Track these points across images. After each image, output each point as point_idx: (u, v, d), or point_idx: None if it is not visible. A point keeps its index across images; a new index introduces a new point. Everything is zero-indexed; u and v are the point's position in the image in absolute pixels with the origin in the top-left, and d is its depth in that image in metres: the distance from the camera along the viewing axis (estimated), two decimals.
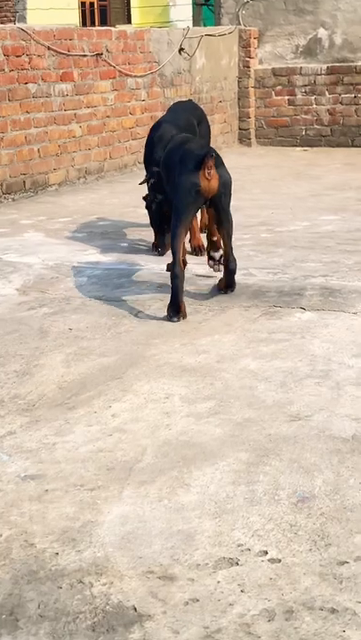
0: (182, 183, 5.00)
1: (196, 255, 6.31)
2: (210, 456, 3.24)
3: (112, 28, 10.76)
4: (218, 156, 5.12)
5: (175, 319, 4.83)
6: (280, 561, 2.60)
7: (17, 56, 8.67)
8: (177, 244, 5.00)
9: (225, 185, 5.04)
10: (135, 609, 2.41)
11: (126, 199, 8.84)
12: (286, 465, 3.15)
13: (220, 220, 5.16)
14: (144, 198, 6.58)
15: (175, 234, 5.03)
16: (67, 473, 3.17)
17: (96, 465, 3.22)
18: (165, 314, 4.87)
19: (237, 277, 5.52)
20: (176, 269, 4.94)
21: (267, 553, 2.64)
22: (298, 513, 2.84)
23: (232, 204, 5.67)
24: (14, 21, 23.59)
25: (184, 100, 8.23)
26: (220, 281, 5.36)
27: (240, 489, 3.00)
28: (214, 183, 4.96)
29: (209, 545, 2.69)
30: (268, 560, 2.60)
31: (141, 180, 6.69)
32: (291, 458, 3.20)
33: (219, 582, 2.51)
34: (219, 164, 5.05)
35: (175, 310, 4.86)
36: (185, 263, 5.43)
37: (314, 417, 3.53)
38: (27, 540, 2.76)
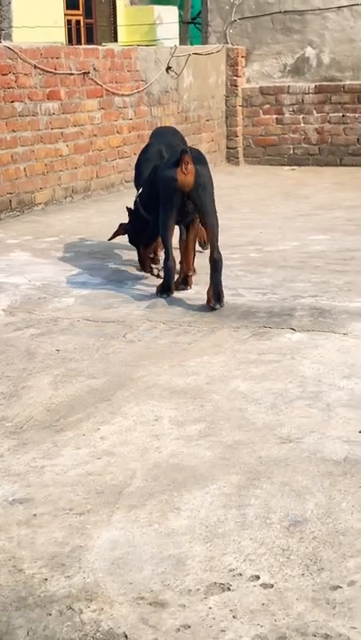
0: (162, 177, 5.60)
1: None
2: (200, 479, 3.21)
3: (99, 47, 10.76)
4: (200, 155, 5.78)
5: (165, 296, 5.57)
6: (272, 586, 2.56)
7: (3, 74, 8.65)
8: (167, 235, 5.57)
9: (201, 179, 5.52)
10: (126, 636, 2.37)
11: (113, 218, 8.81)
12: (278, 488, 3.12)
13: (203, 213, 5.59)
14: (128, 209, 6.59)
15: (164, 227, 5.58)
16: (55, 497, 3.13)
17: (85, 489, 3.18)
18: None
19: (226, 298, 5.51)
20: (169, 263, 5.56)
21: (259, 578, 2.60)
22: (290, 537, 2.81)
23: (220, 223, 5.71)
24: (0, 39, 23.62)
25: (165, 126, 8.28)
26: (207, 292, 5.42)
27: (231, 513, 2.97)
28: (190, 178, 5.48)
29: (200, 570, 2.65)
30: (261, 585, 2.57)
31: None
32: (282, 481, 3.17)
33: (210, 608, 2.47)
34: (199, 161, 5.62)
35: (166, 291, 5.59)
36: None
37: (305, 439, 3.50)
38: (15, 565, 2.72)
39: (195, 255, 6.08)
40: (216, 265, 5.41)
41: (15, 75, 8.78)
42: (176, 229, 5.87)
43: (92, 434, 3.65)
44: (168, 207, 5.57)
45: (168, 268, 5.60)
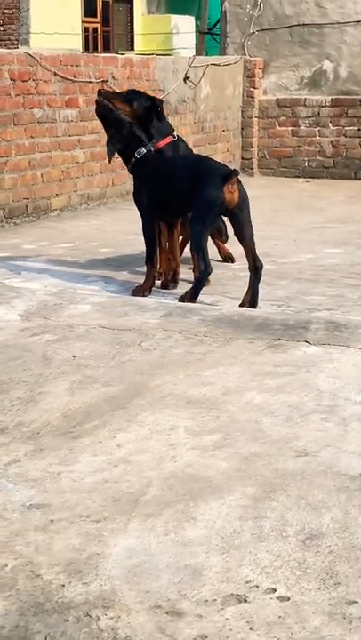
0: (208, 194, 5.79)
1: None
2: (216, 490, 3.23)
3: (118, 56, 10.82)
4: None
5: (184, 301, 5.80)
6: (289, 599, 2.57)
7: (23, 81, 8.71)
8: (205, 245, 5.91)
9: (244, 197, 5.85)
10: None
11: (128, 226, 8.85)
12: (294, 501, 3.13)
13: (242, 229, 5.91)
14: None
15: (202, 237, 5.89)
16: (72, 503, 3.15)
17: (102, 496, 3.20)
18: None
19: (241, 309, 5.55)
20: (208, 269, 5.83)
21: (275, 590, 2.61)
22: (306, 550, 2.82)
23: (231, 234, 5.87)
24: (17, 45, 23.73)
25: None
26: (245, 295, 5.80)
27: (247, 524, 2.98)
28: (236, 196, 5.77)
29: (217, 581, 2.67)
30: (277, 598, 2.58)
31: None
32: (298, 494, 3.18)
33: (227, 619, 2.49)
34: (239, 180, 5.91)
35: (193, 299, 5.84)
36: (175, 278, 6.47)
37: (321, 453, 3.51)
38: (33, 570, 2.74)
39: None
40: (258, 273, 5.84)
41: (35, 81, 8.83)
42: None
43: (109, 441, 3.66)
44: (209, 223, 5.93)
45: (206, 273, 5.88)
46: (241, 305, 5.76)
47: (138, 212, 6.38)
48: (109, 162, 6.76)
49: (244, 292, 5.88)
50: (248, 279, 5.90)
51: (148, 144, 6.30)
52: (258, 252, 6.26)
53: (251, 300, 5.81)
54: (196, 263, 5.94)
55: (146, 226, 6.25)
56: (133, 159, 6.28)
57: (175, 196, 6.10)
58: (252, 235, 5.94)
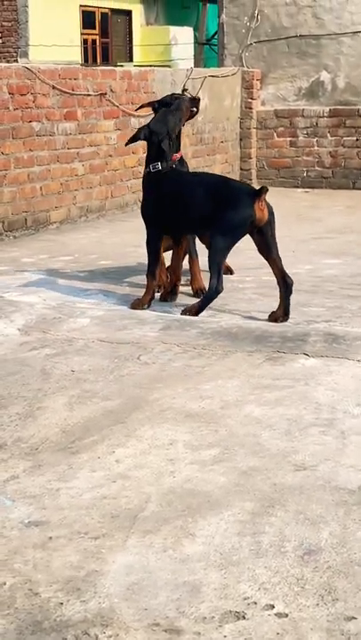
0: (239, 214, 5.77)
1: (197, 297, 6.35)
2: (215, 505, 3.22)
3: (116, 69, 10.84)
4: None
5: (186, 314, 5.79)
6: (287, 615, 2.57)
7: (22, 95, 8.72)
8: (223, 265, 5.92)
9: (272, 214, 5.86)
10: None
11: (128, 238, 8.86)
12: (292, 516, 3.13)
13: (269, 246, 5.89)
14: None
15: (224, 255, 5.88)
16: (71, 520, 3.15)
17: (100, 512, 3.20)
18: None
19: (240, 322, 5.56)
20: (220, 287, 5.79)
21: (273, 607, 2.61)
22: (304, 566, 2.82)
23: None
24: (16, 57, 23.78)
25: None
26: (275, 312, 5.80)
27: (246, 540, 2.98)
28: (266, 213, 5.77)
29: (215, 597, 2.66)
30: (275, 614, 2.58)
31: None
32: (296, 509, 3.18)
33: (225, 637, 2.48)
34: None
35: (197, 314, 5.78)
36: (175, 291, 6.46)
37: (319, 467, 3.51)
38: (31, 588, 2.74)
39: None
40: (289, 290, 5.82)
41: (33, 95, 8.85)
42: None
43: (107, 457, 3.66)
44: (233, 242, 5.86)
45: (217, 292, 5.82)
46: (273, 320, 5.73)
47: (143, 224, 6.35)
48: (126, 145, 6.76)
49: (275, 308, 5.87)
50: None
51: (166, 160, 6.22)
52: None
53: (284, 311, 5.79)
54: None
55: (150, 239, 6.21)
56: (147, 170, 6.24)
57: (189, 213, 6.04)
58: (278, 251, 5.93)
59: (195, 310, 5.82)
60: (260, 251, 5.94)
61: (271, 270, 5.92)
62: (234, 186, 6.20)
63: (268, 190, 5.87)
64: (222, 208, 5.82)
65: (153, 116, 6.61)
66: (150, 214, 6.20)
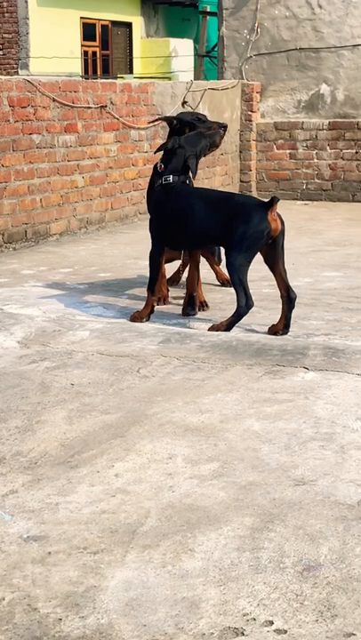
0: (256, 228, 5.72)
1: (202, 310, 6.38)
2: (214, 520, 3.22)
3: (117, 81, 10.86)
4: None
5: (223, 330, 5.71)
6: (286, 632, 2.56)
7: (22, 107, 8.74)
8: (246, 278, 5.81)
9: (283, 224, 5.85)
10: None
11: (127, 250, 8.87)
12: (291, 531, 3.12)
13: (278, 258, 5.86)
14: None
15: (244, 271, 5.80)
16: (70, 535, 3.14)
17: (99, 527, 3.19)
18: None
19: (239, 335, 5.56)
20: (250, 303, 5.75)
21: (272, 623, 2.60)
22: (303, 582, 2.81)
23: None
24: (17, 69, 23.84)
25: None
26: (275, 324, 5.80)
27: (245, 555, 2.97)
28: (279, 224, 5.77)
29: (214, 614, 2.66)
30: (274, 630, 2.57)
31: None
32: (296, 524, 3.17)
33: None
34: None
35: (227, 330, 5.70)
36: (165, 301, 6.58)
37: (319, 482, 3.51)
38: (30, 604, 2.73)
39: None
40: (292, 304, 5.82)
41: (34, 107, 8.86)
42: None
43: (107, 471, 3.66)
44: (253, 253, 5.80)
45: (248, 308, 5.77)
46: (273, 333, 5.73)
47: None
48: (155, 153, 6.78)
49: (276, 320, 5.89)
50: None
51: (186, 177, 6.23)
52: (256, 275, 6.28)
53: (285, 325, 5.78)
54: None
55: (154, 252, 6.19)
56: (158, 182, 6.24)
57: (196, 229, 6.02)
58: (285, 263, 5.91)
59: (224, 328, 5.77)
60: (268, 262, 5.91)
61: (276, 282, 5.90)
62: (244, 200, 6.18)
63: (279, 200, 5.84)
64: (237, 224, 5.78)
65: (154, 128, 6.66)
66: (155, 227, 6.18)
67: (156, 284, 6.17)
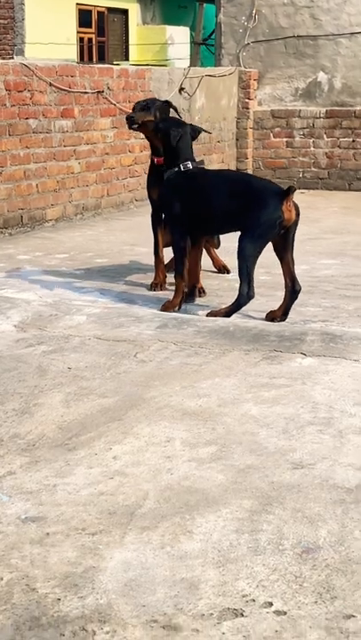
0: (268, 216, 5.61)
1: (199, 296, 6.37)
2: (212, 503, 3.22)
3: (114, 67, 10.83)
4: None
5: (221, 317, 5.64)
6: (285, 613, 2.56)
7: (19, 91, 8.71)
8: (253, 269, 5.74)
9: (298, 215, 5.74)
10: None
11: (124, 237, 8.86)
12: (290, 514, 3.12)
13: (288, 247, 5.77)
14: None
15: (254, 262, 5.72)
16: (68, 516, 3.14)
17: (97, 509, 3.19)
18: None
19: (237, 320, 5.55)
20: (251, 293, 5.69)
21: (272, 604, 2.60)
22: (303, 564, 2.81)
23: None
24: (12, 55, 23.76)
25: None
26: (273, 311, 5.79)
27: (244, 537, 2.97)
28: (293, 214, 5.66)
29: (213, 595, 2.65)
30: (274, 612, 2.57)
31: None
32: (294, 507, 3.17)
33: (224, 634, 2.47)
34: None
35: (229, 315, 5.70)
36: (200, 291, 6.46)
37: (317, 465, 3.51)
38: (28, 584, 2.72)
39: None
40: (296, 294, 5.79)
41: (30, 92, 8.83)
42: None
43: (104, 453, 3.65)
44: (265, 242, 5.73)
45: (249, 298, 5.73)
46: (271, 319, 5.70)
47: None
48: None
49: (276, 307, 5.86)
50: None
51: (195, 160, 6.20)
52: None
53: (284, 313, 5.76)
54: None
55: (177, 239, 6.06)
56: (176, 169, 6.12)
57: (214, 213, 5.96)
58: (293, 253, 5.83)
59: (222, 314, 5.73)
60: (277, 250, 5.83)
61: (282, 271, 5.84)
62: (261, 185, 6.03)
63: (296, 189, 5.72)
64: (250, 210, 5.68)
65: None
66: (176, 214, 6.07)
67: (183, 269, 6.07)
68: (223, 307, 5.84)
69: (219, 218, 5.97)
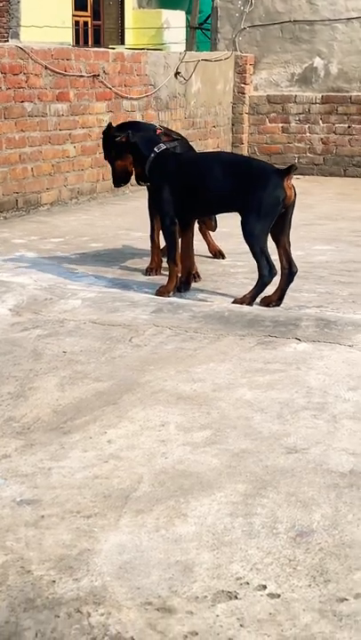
0: (271, 195, 5.62)
1: (194, 281, 6.37)
2: (207, 486, 3.23)
3: (109, 50, 10.80)
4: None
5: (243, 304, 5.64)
6: (279, 596, 2.58)
7: (14, 74, 8.68)
8: (266, 248, 5.70)
9: (295, 195, 5.73)
10: None
11: (119, 221, 8.85)
12: (284, 498, 3.14)
13: (285, 228, 5.76)
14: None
15: (264, 240, 5.70)
16: (63, 499, 3.15)
17: (92, 492, 3.20)
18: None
19: (231, 305, 5.56)
20: (274, 271, 5.69)
21: (266, 587, 2.62)
22: (296, 547, 2.83)
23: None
24: (7, 38, 23.66)
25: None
26: (269, 296, 5.75)
27: (238, 521, 2.99)
28: (292, 192, 5.67)
29: (207, 577, 2.67)
30: (268, 595, 2.59)
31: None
32: (288, 491, 3.19)
33: (218, 616, 2.49)
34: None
35: (252, 302, 5.68)
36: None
37: (311, 450, 3.52)
38: (23, 566, 2.74)
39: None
40: (292, 276, 5.78)
41: (26, 75, 8.81)
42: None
43: (99, 437, 3.66)
44: (271, 220, 5.69)
45: (271, 277, 5.72)
46: (266, 304, 5.69)
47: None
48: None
49: (272, 291, 5.81)
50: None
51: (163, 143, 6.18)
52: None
53: (280, 297, 5.75)
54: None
55: (168, 223, 6.03)
56: (152, 155, 6.09)
57: (211, 195, 5.94)
58: (289, 236, 5.82)
59: (248, 300, 5.70)
60: (273, 233, 5.79)
61: (278, 254, 5.80)
62: (260, 165, 6.04)
63: (296, 168, 5.76)
64: (253, 190, 5.68)
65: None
66: (165, 198, 6.04)
67: (176, 253, 6.06)
68: (247, 292, 5.77)
69: (213, 199, 5.96)
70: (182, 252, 6.15)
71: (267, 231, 5.70)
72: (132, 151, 6.24)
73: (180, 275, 6.08)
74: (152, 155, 6.09)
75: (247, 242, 5.78)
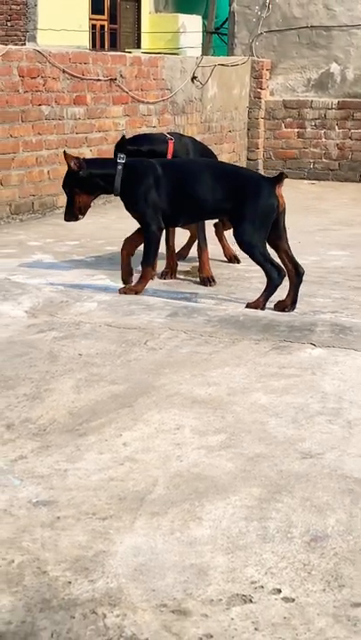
0: (266, 203, 5.72)
1: (204, 285, 6.38)
2: (222, 490, 3.24)
3: (127, 54, 10.84)
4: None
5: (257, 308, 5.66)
6: (294, 600, 2.59)
7: (32, 78, 8.72)
8: (268, 253, 5.78)
9: (284, 202, 5.83)
10: None
11: (135, 224, 8.85)
12: (299, 503, 3.15)
13: (282, 234, 5.83)
14: None
15: (264, 248, 5.78)
16: (78, 500, 3.16)
17: (108, 494, 3.22)
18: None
19: (246, 310, 5.58)
20: (283, 273, 5.76)
21: (280, 591, 2.63)
22: (311, 552, 2.84)
23: None
24: (24, 41, 23.73)
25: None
26: (282, 301, 5.79)
27: (253, 525, 3.00)
28: (283, 199, 5.78)
29: (222, 581, 2.68)
30: (282, 599, 2.60)
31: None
32: (303, 496, 3.20)
33: (232, 619, 2.50)
34: None
35: (264, 306, 5.71)
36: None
37: (326, 455, 3.53)
38: (39, 567, 2.75)
39: None
40: (300, 278, 5.83)
41: (43, 78, 8.85)
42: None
43: (115, 439, 3.68)
44: (267, 229, 5.78)
45: (281, 278, 5.77)
46: (281, 309, 5.72)
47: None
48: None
49: (284, 296, 5.86)
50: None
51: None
52: None
53: (293, 301, 5.79)
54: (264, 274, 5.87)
55: (154, 229, 6.08)
56: (119, 166, 6.04)
57: (198, 202, 5.97)
58: (287, 240, 5.87)
59: (261, 303, 5.74)
60: (271, 240, 5.84)
61: (281, 259, 5.86)
62: (250, 175, 6.14)
63: (287, 176, 5.83)
64: (245, 199, 5.75)
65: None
66: (149, 207, 6.05)
67: (155, 260, 6.12)
68: (260, 296, 5.80)
69: (199, 207, 6.03)
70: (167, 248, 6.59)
71: (264, 239, 5.78)
72: (91, 182, 6.24)
73: (152, 279, 6.23)
74: (118, 167, 6.04)
75: (247, 252, 5.87)
